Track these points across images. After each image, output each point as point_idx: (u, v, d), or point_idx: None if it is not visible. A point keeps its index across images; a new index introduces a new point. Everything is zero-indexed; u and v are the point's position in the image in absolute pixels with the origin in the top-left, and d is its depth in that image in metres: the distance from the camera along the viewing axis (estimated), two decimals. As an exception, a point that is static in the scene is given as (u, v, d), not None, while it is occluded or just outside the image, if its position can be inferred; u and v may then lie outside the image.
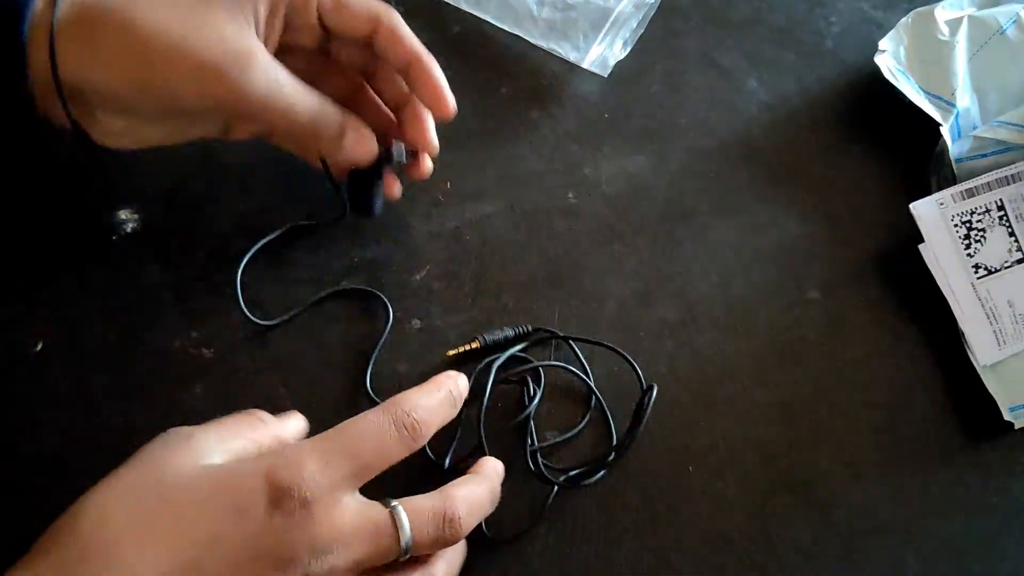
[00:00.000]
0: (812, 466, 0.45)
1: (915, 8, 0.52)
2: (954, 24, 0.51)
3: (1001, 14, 0.51)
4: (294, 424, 0.38)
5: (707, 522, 0.43)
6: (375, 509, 0.33)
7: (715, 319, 0.47)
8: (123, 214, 0.46)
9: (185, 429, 0.34)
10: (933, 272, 0.47)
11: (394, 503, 0.34)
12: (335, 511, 0.32)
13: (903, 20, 0.51)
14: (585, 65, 0.52)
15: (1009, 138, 0.48)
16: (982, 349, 0.46)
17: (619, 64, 0.52)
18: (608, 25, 0.53)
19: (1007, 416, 0.45)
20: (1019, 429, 0.45)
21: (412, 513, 0.33)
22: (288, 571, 0.31)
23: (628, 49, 0.53)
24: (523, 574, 0.41)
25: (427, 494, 0.35)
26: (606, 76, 0.52)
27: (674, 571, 0.42)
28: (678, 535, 0.43)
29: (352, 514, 0.32)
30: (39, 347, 0.43)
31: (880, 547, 0.43)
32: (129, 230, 0.46)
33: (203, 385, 0.43)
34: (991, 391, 0.46)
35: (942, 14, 0.51)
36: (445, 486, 0.36)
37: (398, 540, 0.33)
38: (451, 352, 0.45)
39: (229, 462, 0.33)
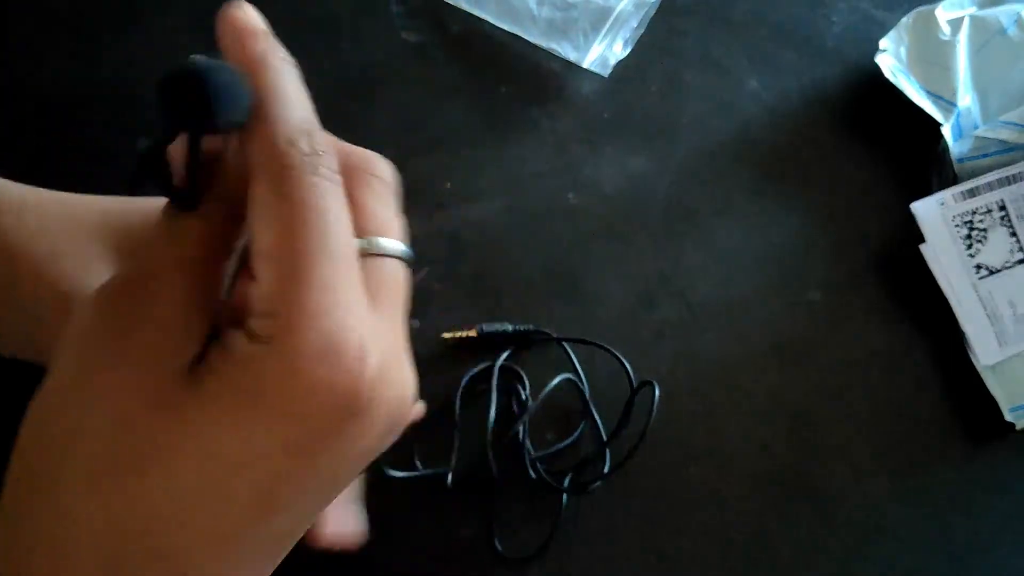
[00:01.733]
0: (812, 466, 0.45)
1: (916, 8, 0.52)
2: (955, 24, 0.51)
3: (1002, 14, 0.51)
4: None
5: (708, 522, 0.43)
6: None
7: (716, 319, 0.47)
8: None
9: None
10: (934, 272, 0.47)
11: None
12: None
13: (904, 20, 0.51)
14: (585, 65, 0.52)
15: (1010, 138, 0.48)
16: (983, 349, 0.46)
17: (619, 64, 0.52)
18: (608, 25, 0.53)
19: (1008, 417, 0.45)
20: (1020, 430, 0.45)
21: None
22: None
23: (628, 49, 0.53)
24: None
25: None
26: (606, 76, 0.52)
27: (675, 572, 0.42)
28: (679, 536, 0.43)
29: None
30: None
31: (880, 547, 0.43)
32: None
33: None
34: (992, 392, 0.45)
35: (943, 14, 0.51)
36: None
37: None
38: (447, 335, 0.45)
39: None
